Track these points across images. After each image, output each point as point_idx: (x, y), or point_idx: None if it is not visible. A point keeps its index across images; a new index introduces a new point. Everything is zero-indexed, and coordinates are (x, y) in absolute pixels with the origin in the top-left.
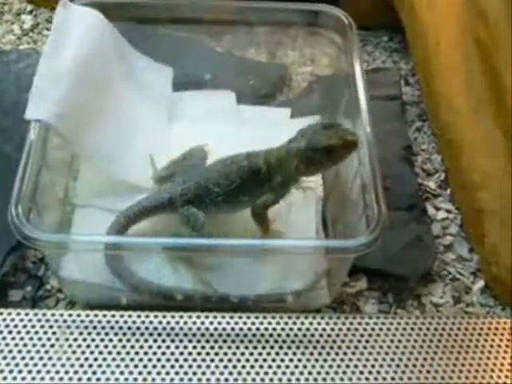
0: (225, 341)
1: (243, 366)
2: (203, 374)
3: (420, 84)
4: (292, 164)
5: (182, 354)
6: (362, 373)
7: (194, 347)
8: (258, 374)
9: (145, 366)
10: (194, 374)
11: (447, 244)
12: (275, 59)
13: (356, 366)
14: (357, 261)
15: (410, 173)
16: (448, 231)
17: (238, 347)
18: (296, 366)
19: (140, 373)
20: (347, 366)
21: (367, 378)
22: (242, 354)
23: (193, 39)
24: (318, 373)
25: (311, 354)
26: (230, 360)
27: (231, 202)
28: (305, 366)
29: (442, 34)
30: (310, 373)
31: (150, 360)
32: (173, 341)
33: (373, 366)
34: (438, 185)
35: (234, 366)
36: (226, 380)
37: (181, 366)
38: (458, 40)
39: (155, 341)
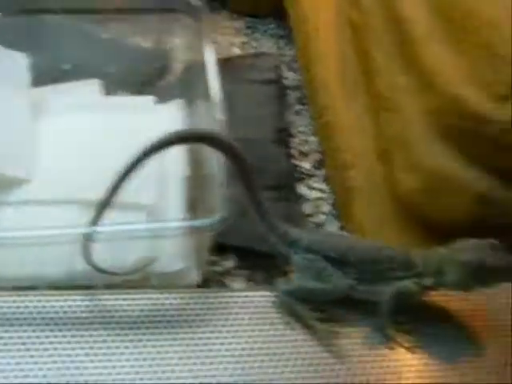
0: (82, 323)
1: (100, 348)
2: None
3: (301, 69)
4: (451, 273)
5: (30, 337)
6: (214, 344)
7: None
8: (122, 354)
9: None
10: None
11: (319, 222)
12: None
13: (209, 339)
14: (225, 239)
15: (282, 154)
16: (320, 210)
17: (98, 329)
18: (154, 346)
19: None
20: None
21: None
22: (108, 335)
23: (78, 27)
24: (175, 352)
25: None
26: (87, 342)
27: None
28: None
29: (321, 20)
30: (166, 352)
31: None
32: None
33: (225, 338)
34: (312, 165)
35: (91, 348)
36: (81, 362)
37: (27, 350)
38: (334, 25)
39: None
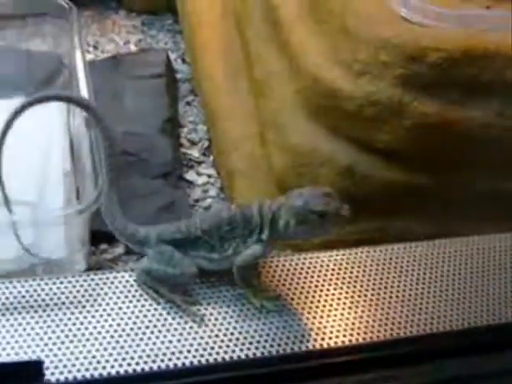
0: None
1: None
2: None
3: (189, 61)
4: (283, 220)
5: None
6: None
7: None
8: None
9: None
10: None
11: (206, 206)
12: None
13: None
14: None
15: (168, 144)
16: (208, 194)
17: None
18: (41, 328)
19: None
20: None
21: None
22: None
23: None
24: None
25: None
26: None
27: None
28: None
29: (206, 12)
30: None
31: None
32: None
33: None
34: (201, 153)
35: None
36: None
37: None
38: (220, 16)
39: None
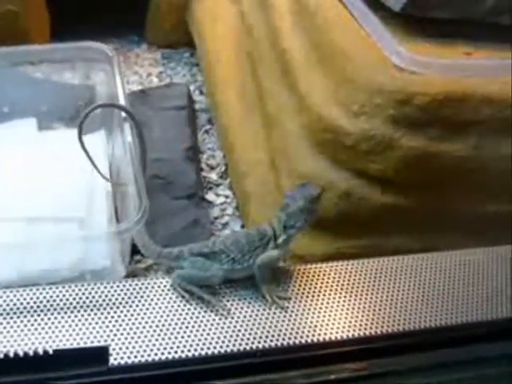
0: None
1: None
2: None
3: (207, 94)
4: (292, 220)
5: None
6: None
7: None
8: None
9: None
10: None
11: (224, 223)
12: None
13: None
14: None
15: (191, 168)
16: (225, 213)
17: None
18: (103, 322)
19: None
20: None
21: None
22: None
23: (12, 70)
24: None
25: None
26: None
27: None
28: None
29: (222, 51)
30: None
31: None
32: None
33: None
34: (219, 176)
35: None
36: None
37: None
38: (235, 55)
39: None
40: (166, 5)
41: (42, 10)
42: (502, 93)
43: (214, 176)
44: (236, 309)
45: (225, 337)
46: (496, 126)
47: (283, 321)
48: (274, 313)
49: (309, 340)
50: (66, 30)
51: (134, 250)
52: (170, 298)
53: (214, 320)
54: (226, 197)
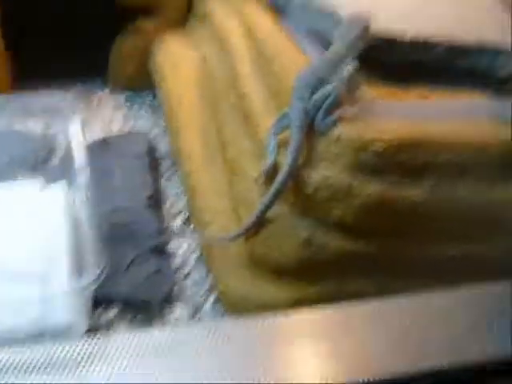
0: None
1: None
2: None
3: (169, 139)
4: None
5: None
6: None
7: None
8: None
9: None
10: None
11: (187, 272)
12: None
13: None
14: (108, 293)
15: (153, 217)
16: (188, 261)
17: None
18: None
19: None
20: None
21: None
22: None
23: None
24: None
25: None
26: None
27: None
28: None
29: (184, 96)
30: None
31: None
32: None
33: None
34: (182, 223)
35: None
36: None
37: None
38: (197, 99)
39: None
40: (128, 48)
41: (2, 57)
42: (457, 136)
43: (176, 224)
44: None
45: None
46: (453, 170)
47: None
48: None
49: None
50: (29, 72)
51: (97, 302)
52: (134, 354)
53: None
54: (189, 245)
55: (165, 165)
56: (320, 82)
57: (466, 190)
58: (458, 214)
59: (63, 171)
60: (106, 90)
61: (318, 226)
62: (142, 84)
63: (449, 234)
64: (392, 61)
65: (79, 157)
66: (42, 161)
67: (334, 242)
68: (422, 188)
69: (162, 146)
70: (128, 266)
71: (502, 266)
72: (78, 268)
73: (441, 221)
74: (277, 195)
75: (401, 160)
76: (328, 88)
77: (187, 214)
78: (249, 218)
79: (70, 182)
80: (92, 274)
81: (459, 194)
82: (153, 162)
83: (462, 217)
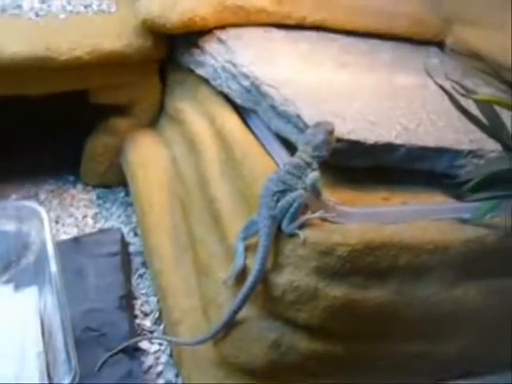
0: None
1: None
2: None
3: (141, 238)
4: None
5: None
6: None
7: None
8: None
9: None
10: None
11: (158, 372)
12: None
13: None
14: None
15: (124, 318)
16: (160, 361)
17: None
18: None
19: None
20: None
21: None
22: None
23: None
24: None
25: None
26: None
27: None
28: None
29: (155, 197)
30: None
31: None
32: None
33: None
34: (153, 322)
35: None
36: None
37: None
38: (168, 200)
39: None
40: (100, 147)
41: None
42: (417, 238)
43: (148, 323)
44: None
45: None
46: (416, 271)
47: None
48: None
49: None
50: (2, 169)
51: None
52: None
53: None
54: (160, 344)
55: (136, 262)
56: (285, 189)
57: (428, 290)
58: (421, 313)
59: (36, 272)
60: (79, 187)
61: (286, 328)
62: (114, 181)
63: (413, 332)
64: (355, 164)
65: (51, 258)
66: (16, 259)
67: (302, 344)
68: (386, 289)
69: (135, 242)
70: (99, 368)
71: (463, 363)
72: (49, 372)
73: (405, 321)
74: (245, 300)
75: (365, 263)
76: (293, 195)
77: (157, 313)
78: (218, 322)
79: (43, 285)
80: (63, 378)
81: (422, 294)
82: (125, 258)
83: (425, 315)
